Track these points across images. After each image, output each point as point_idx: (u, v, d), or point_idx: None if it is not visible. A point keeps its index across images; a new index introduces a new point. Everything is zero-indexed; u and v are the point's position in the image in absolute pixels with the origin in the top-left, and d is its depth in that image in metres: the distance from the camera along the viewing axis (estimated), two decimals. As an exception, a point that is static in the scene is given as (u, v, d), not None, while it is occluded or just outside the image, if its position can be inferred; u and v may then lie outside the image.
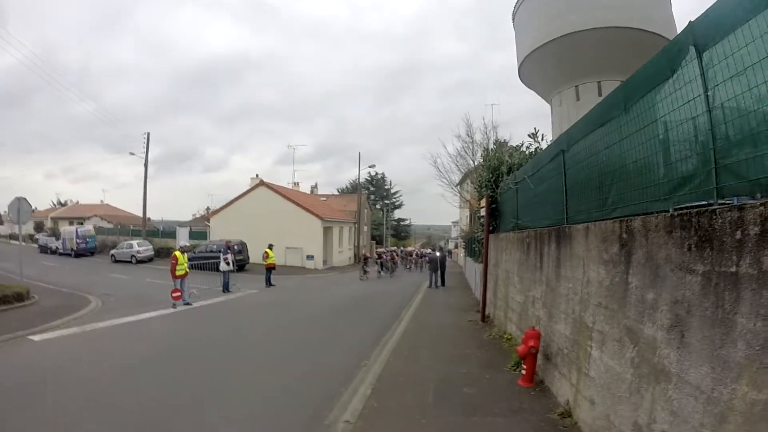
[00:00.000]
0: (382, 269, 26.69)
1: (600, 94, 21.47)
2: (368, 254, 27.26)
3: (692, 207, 2.67)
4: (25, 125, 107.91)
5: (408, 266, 35.71)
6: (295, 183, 43.38)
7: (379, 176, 69.34)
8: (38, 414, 4.81)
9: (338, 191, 63.42)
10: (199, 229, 39.04)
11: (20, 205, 13.62)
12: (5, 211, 16.93)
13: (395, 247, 49.14)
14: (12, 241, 43.22)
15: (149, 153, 33.61)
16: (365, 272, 24.70)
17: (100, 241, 36.70)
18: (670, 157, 3.02)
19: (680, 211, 2.73)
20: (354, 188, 53.52)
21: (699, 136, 2.68)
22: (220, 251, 19.31)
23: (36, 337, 8.63)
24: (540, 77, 26.12)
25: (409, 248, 44.73)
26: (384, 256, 28.19)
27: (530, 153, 9.32)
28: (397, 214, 73.66)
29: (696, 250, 2.54)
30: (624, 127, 3.61)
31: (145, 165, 33.39)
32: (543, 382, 5.41)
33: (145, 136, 33.51)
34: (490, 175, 10.12)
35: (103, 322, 10.22)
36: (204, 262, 22.28)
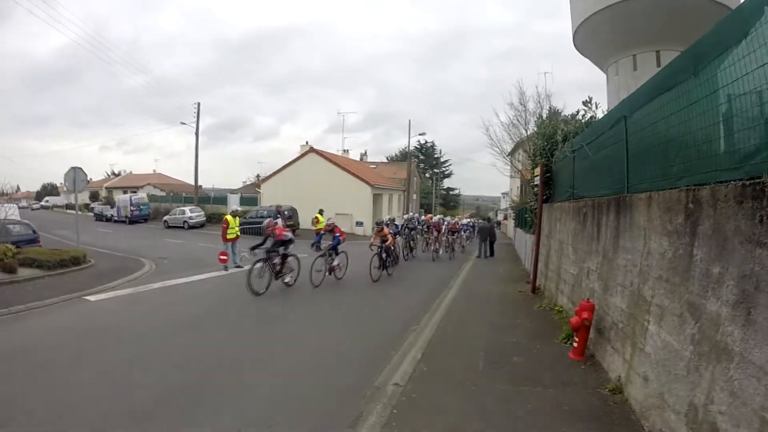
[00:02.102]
0: (332, 259, 11.47)
1: (658, 64, 19.99)
2: (277, 224, 10.56)
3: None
4: (79, 100, 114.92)
5: (433, 247, 18.68)
6: (344, 150, 43.57)
7: (429, 144, 68.61)
8: (92, 365, 5.23)
9: (387, 159, 63.43)
10: (249, 195, 40.14)
11: (76, 174, 14.26)
12: (62, 183, 17.78)
13: (387, 217, 22.14)
14: (68, 211, 46.08)
15: (200, 122, 34.62)
16: (277, 272, 10.20)
17: (153, 209, 38.25)
18: (741, 124, 2.78)
19: (752, 181, 2.52)
20: (403, 156, 53.29)
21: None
22: (270, 216, 19.83)
23: (92, 298, 9.15)
24: (595, 45, 24.61)
25: (435, 217, 22.97)
26: (338, 230, 12.25)
27: (586, 121, 8.89)
28: (446, 183, 72.97)
29: (769, 222, 2.35)
30: (693, 91, 3.33)
31: (196, 134, 34.55)
32: (594, 357, 5.28)
33: (196, 106, 34.52)
34: (545, 143, 9.76)
35: (156, 283, 10.80)
36: (255, 227, 23.05)
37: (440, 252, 18.60)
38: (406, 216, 19.13)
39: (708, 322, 2.85)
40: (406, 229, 17.44)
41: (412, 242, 17.64)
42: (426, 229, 20.31)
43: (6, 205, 17.57)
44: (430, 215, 27.13)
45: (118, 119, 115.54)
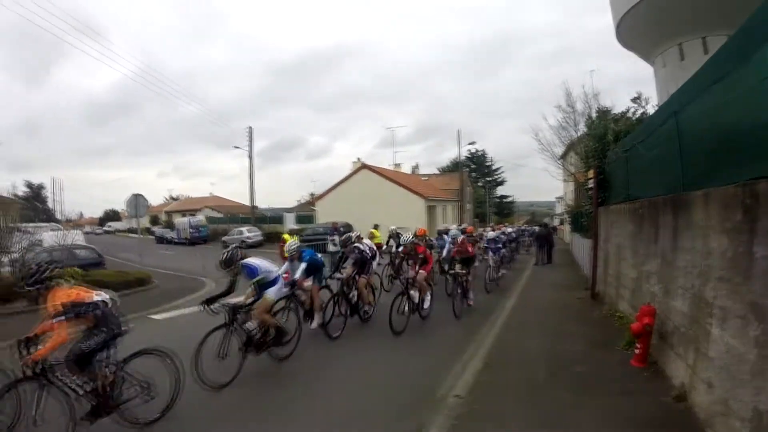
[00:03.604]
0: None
1: (706, 52, 18.79)
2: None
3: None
4: (136, 131, 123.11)
5: (405, 301, 7.62)
6: (396, 164, 43.86)
7: (480, 153, 67.62)
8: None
9: (439, 170, 63.07)
10: (305, 213, 40.96)
11: (137, 200, 15.15)
12: (123, 208, 18.83)
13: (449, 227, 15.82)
14: (130, 235, 48.50)
15: (253, 145, 35.65)
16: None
17: (211, 230, 39.55)
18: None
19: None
20: (455, 167, 52.93)
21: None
22: (326, 233, 20.12)
23: (157, 316, 9.45)
24: (639, 38, 23.50)
25: (403, 240, 9.12)
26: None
27: (637, 119, 8.60)
28: (500, 191, 71.47)
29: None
30: (742, 80, 3.21)
31: (250, 157, 35.69)
32: (656, 363, 5.05)
33: (248, 130, 35.72)
34: (597, 145, 9.50)
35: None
36: (312, 244, 23.49)
37: (424, 306, 8.24)
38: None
39: (772, 323, 2.71)
40: (345, 259, 8.96)
41: (351, 289, 8.01)
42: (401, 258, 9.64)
43: (72, 231, 18.85)
44: (423, 228, 12.68)
45: (173, 146, 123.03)
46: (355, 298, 8.01)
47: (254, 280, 5.80)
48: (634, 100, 8.44)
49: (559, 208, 45.09)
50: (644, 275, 6.09)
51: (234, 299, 5.72)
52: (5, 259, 13.14)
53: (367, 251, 8.40)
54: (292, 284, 7.03)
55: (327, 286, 7.89)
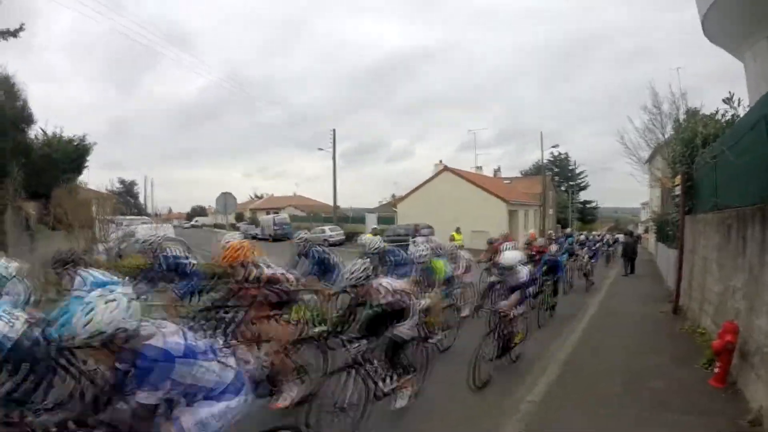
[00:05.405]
0: None
1: None
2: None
3: None
4: (221, 134, 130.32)
5: None
6: (477, 167, 43.12)
7: (562, 156, 64.80)
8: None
9: (521, 174, 61.32)
10: (386, 214, 41.36)
11: (226, 198, 16.24)
12: (210, 205, 20.22)
13: None
14: (215, 230, 51.33)
15: (336, 147, 36.62)
16: None
17: (294, 228, 39.79)
18: None
19: None
20: (537, 170, 51.24)
21: None
22: (407, 234, 20.28)
23: None
24: (728, 29, 21.22)
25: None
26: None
27: (727, 121, 7.97)
28: (583, 195, 67.99)
29: None
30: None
31: (333, 158, 36.70)
32: (736, 384, 4.76)
33: (332, 132, 36.71)
34: (684, 149, 8.91)
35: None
36: (393, 245, 23.84)
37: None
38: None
39: None
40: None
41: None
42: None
43: (164, 224, 20.38)
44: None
45: (257, 148, 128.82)
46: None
47: None
48: (726, 100, 7.75)
49: (644, 215, 42.20)
50: (729, 290, 5.70)
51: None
52: (101, 248, 14.67)
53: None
54: None
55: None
